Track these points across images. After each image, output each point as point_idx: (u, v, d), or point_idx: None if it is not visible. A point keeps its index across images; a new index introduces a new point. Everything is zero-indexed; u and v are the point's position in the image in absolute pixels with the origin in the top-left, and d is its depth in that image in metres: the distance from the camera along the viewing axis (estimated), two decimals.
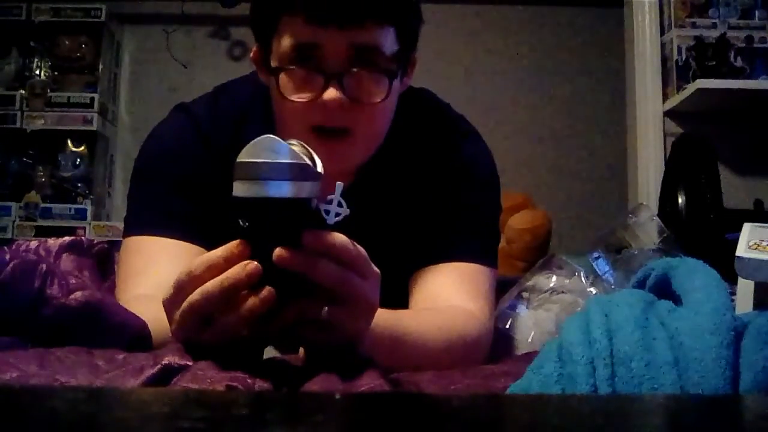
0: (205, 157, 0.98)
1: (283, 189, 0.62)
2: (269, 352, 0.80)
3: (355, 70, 0.88)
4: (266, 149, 0.63)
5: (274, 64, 0.92)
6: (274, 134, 0.84)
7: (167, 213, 0.96)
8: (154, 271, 0.90)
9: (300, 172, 0.63)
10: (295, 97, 0.89)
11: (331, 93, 0.87)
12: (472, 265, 0.98)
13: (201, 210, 0.96)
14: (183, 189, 0.97)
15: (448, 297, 0.94)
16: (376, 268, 0.68)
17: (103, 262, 0.89)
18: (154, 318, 0.77)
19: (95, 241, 0.89)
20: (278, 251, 0.61)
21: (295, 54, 0.89)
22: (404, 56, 0.94)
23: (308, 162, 0.65)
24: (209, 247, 0.72)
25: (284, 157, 0.62)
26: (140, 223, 0.96)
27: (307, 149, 0.66)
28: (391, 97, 0.92)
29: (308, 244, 0.62)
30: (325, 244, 0.63)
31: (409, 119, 1.02)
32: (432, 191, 1.02)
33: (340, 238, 0.64)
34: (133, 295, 0.89)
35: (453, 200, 1.01)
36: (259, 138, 0.64)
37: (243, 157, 0.63)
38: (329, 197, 0.65)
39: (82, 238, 0.89)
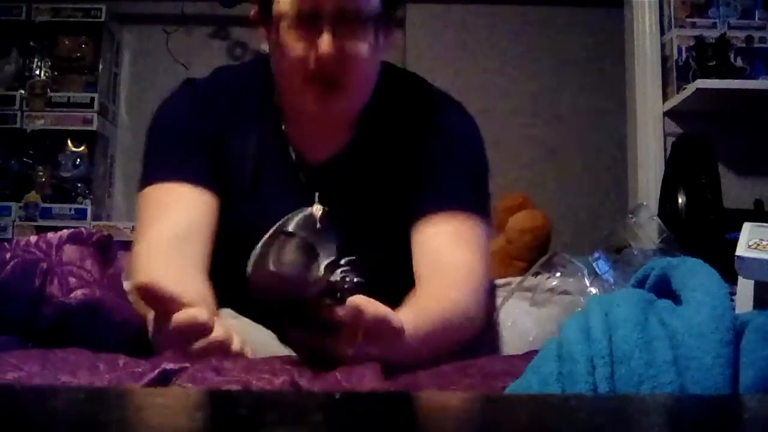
0: (207, 118, 1.11)
1: None
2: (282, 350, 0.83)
3: (344, 24, 1.00)
4: None
5: (275, 19, 1.04)
6: (271, 101, 1.12)
7: (179, 163, 1.08)
8: (170, 215, 1.04)
9: None
10: (294, 46, 1.01)
11: (324, 42, 0.99)
12: (466, 215, 1.07)
13: (207, 161, 1.09)
14: (191, 144, 1.10)
15: (446, 253, 1.03)
16: (397, 321, 0.76)
17: (104, 250, 0.90)
18: (155, 268, 0.93)
19: (95, 231, 0.91)
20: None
21: (293, 14, 1.01)
22: (386, 16, 1.07)
23: None
24: (215, 192, 1.04)
25: None
26: (156, 173, 1.09)
27: None
28: (374, 51, 1.04)
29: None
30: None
31: (401, 84, 1.17)
32: (424, 147, 1.12)
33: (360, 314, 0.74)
34: (150, 242, 1.01)
35: (445, 156, 1.12)
36: None
37: None
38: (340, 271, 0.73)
39: (82, 229, 0.90)
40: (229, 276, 0.99)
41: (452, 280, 1.00)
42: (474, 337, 0.99)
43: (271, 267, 0.77)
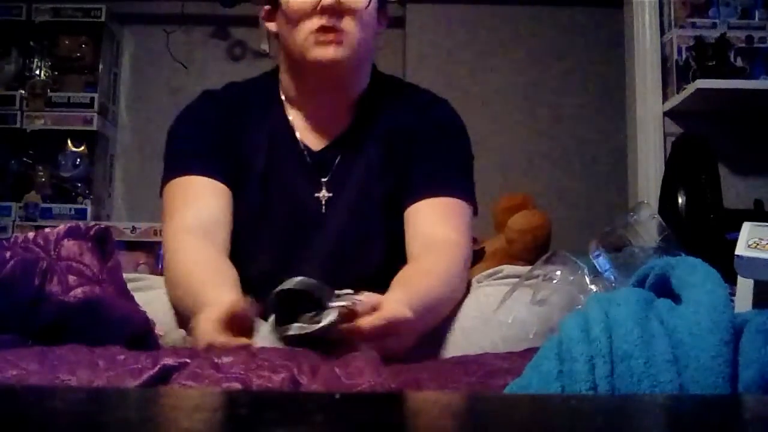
0: (223, 118, 1.24)
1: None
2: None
3: None
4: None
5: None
6: (278, 97, 1.29)
7: (199, 158, 1.20)
8: (197, 203, 1.16)
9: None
10: (300, 3, 1.16)
11: None
12: (453, 200, 1.21)
13: (223, 158, 1.21)
14: (209, 142, 1.22)
15: (436, 231, 1.17)
16: (402, 313, 0.90)
17: (102, 243, 0.90)
18: (183, 250, 1.10)
19: (92, 224, 0.91)
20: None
21: None
22: None
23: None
24: (229, 183, 1.18)
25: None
26: (179, 168, 1.20)
27: None
28: (370, 9, 1.19)
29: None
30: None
31: (392, 83, 1.34)
32: (415, 137, 1.25)
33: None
34: (177, 227, 1.14)
35: (435, 146, 1.24)
36: None
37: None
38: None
39: (79, 223, 0.91)
40: (234, 263, 1.11)
41: (442, 256, 1.13)
42: (463, 277, 1.14)
43: (294, 332, 0.87)
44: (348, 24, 1.16)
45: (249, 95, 1.30)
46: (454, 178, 1.24)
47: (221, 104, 1.27)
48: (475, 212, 1.28)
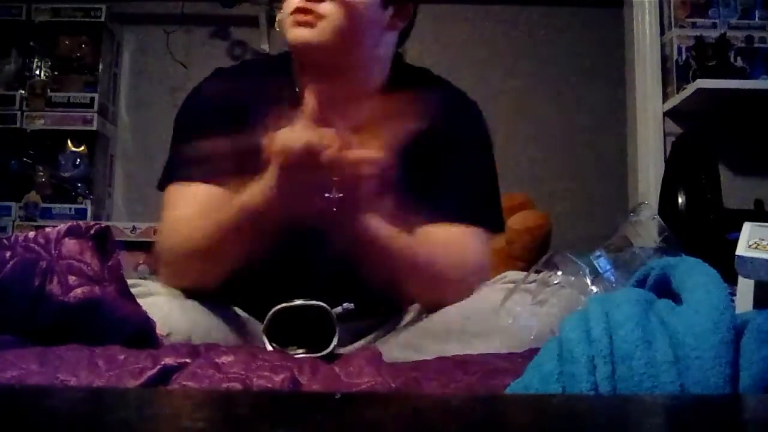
0: (230, 104, 1.17)
1: None
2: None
3: None
4: None
5: None
6: (292, 85, 1.21)
7: (201, 160, 1.12)
8: (192, 208, 1.11)
9: None
10: None
11: None
12: (466, 228, 1.15)
13: (227, 153, 1.12)
14: (213, 135, 1.12)
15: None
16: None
17: (103, 242, 0.90)
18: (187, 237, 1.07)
19: (92, 223, 0.91)
20: None
21: None
22: None
23: None
24: (233, 183, 1.08)
25: None
26: (179, 170, 1.16)
27: None
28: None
29: None
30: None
31: (419, 73, 1.28)
32: (436, 151, 1.18)
33: None
34: (174, 217, 1.11)
35: (456, 165, 1.19)
36: None
37: None
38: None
39: (79, 222, 0.91)
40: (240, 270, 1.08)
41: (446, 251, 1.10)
42: (445, 295, 1.09)
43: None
44: (327, 7, 1.10)
45: (263, 73, 1.24)
46: (470, 204, 1.18)
47: (232, 88, 1.20)
48: (499, 228, 1.24)
